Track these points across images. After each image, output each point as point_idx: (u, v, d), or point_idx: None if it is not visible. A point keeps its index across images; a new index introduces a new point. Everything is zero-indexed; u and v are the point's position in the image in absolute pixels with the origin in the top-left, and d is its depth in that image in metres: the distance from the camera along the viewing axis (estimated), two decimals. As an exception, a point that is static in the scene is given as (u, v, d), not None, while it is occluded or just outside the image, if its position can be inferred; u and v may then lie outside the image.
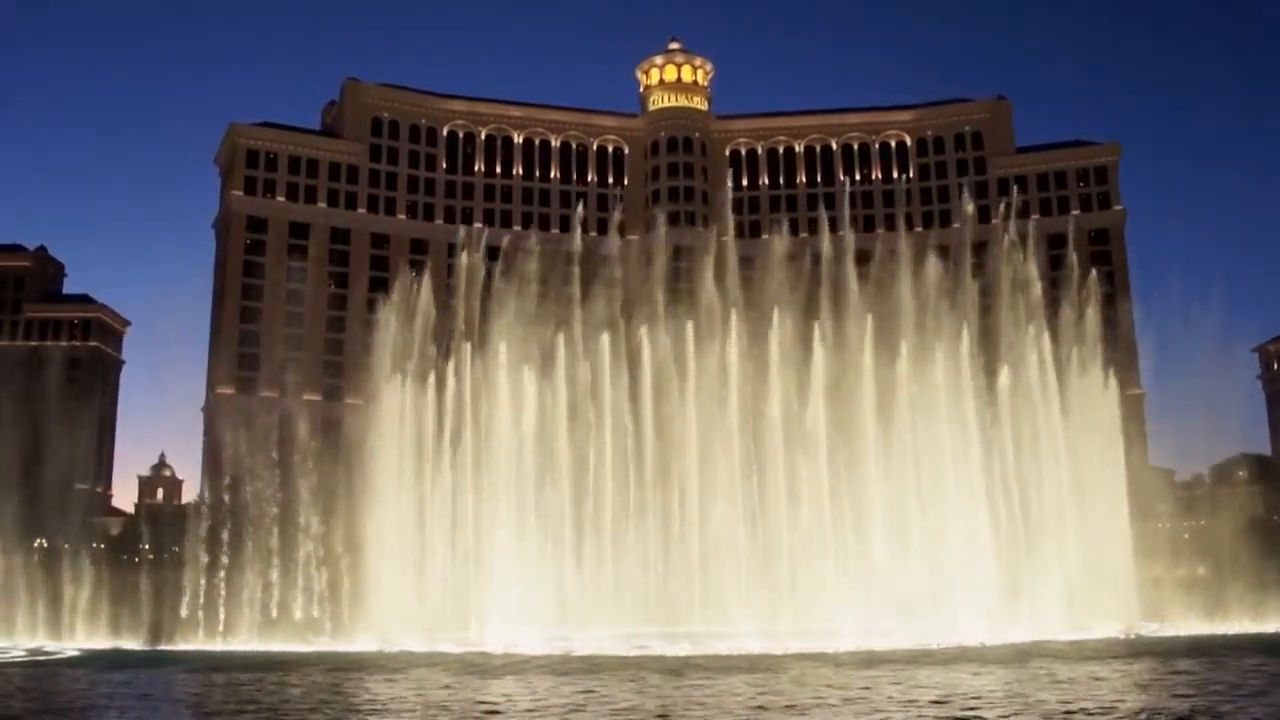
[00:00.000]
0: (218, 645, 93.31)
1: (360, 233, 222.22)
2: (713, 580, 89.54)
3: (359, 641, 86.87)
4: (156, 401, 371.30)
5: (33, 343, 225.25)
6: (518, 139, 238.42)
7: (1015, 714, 38.19)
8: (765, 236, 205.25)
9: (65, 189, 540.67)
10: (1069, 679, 50.26)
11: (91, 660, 79.04)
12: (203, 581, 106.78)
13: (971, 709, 39.78)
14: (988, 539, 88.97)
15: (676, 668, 60.16)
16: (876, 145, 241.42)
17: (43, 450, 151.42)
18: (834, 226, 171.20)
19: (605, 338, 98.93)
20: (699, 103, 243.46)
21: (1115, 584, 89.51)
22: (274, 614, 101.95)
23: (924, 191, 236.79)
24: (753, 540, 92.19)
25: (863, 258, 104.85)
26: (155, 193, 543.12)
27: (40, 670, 70.15)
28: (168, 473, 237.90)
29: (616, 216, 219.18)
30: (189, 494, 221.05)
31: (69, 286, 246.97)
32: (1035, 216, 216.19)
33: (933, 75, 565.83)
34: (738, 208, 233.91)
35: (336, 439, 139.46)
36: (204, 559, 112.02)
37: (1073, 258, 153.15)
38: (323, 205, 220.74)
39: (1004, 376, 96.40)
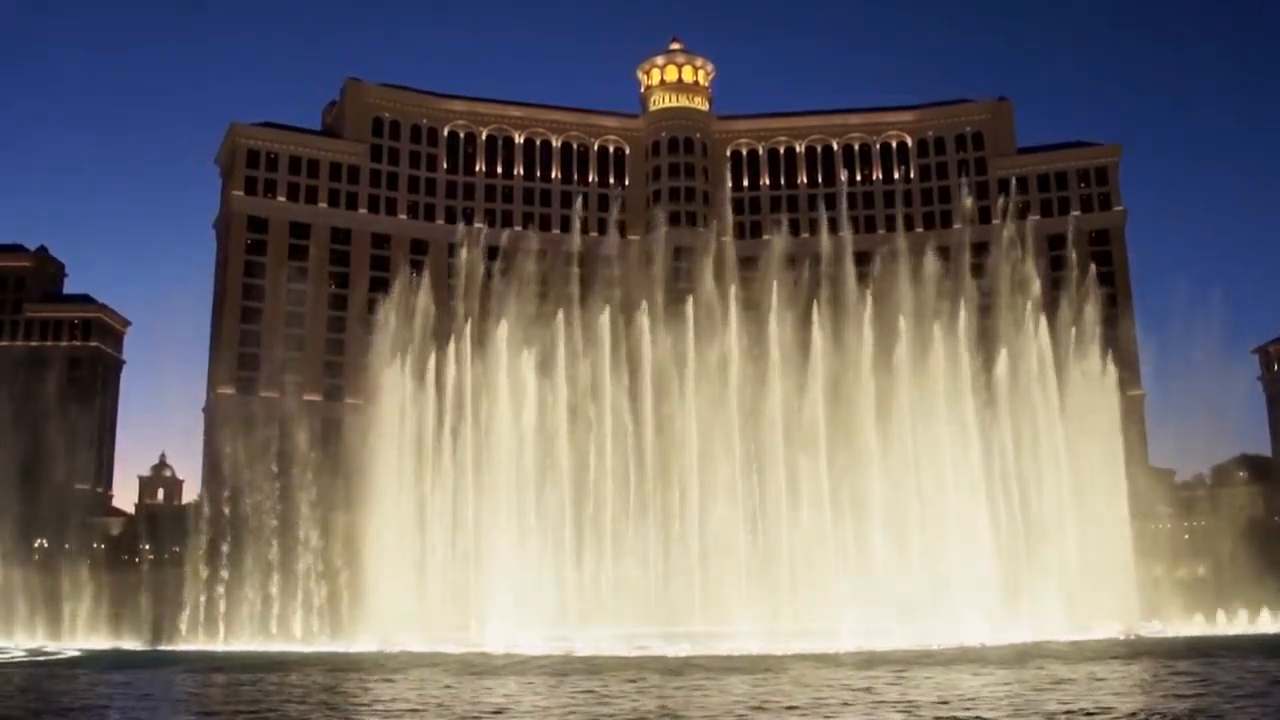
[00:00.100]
0: (218, 645, 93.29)
1: (361, 233, 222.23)
2: (713, 580, 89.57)
3: (359, 642, 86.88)
4: (157, 401, 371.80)
5: (33, 343, 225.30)
6: (518, 139, 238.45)
7: (1015, 715, 38.19)
8: (766, 237, 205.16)
9: (65, 189, 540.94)
10: (1069, 679, 50.26)
11: (91, 660, 79.06)
12: (203, 583, 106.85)
13: (971, 710, 39.79)
14: (988, 540, 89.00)
15: (677, 668, 60.17)
16: (877, 146, 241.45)
17: (43, 450, 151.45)
18: (834, 227, 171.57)
19: (605, 338, 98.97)
20: (700, 103, 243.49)
21: (1115, 584, 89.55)
22: (274, 615, 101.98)
23: (924, 192, 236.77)
24: (753, 540, 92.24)
25: (863, 258, 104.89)
26: (155, 193, 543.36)
27: (40, 670, 70.15)
28: (168, 473, 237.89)
29: (615, 216, 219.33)
30: (189, 494, 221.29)
31: (69, 286, 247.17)
32: (1036, 217, 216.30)
33: (933, 75, 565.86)
34: (738, 208, 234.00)
35: (337, 439, 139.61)
36: (204, 563, 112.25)
37: (1073, 258, 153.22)
38: (323, 205, 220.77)
39: (1004, 377, 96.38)
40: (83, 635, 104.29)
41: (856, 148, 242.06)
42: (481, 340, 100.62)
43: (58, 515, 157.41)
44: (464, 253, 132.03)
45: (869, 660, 62.86)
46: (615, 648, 76.21)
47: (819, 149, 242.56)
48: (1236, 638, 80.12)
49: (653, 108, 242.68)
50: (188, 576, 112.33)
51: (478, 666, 64.74)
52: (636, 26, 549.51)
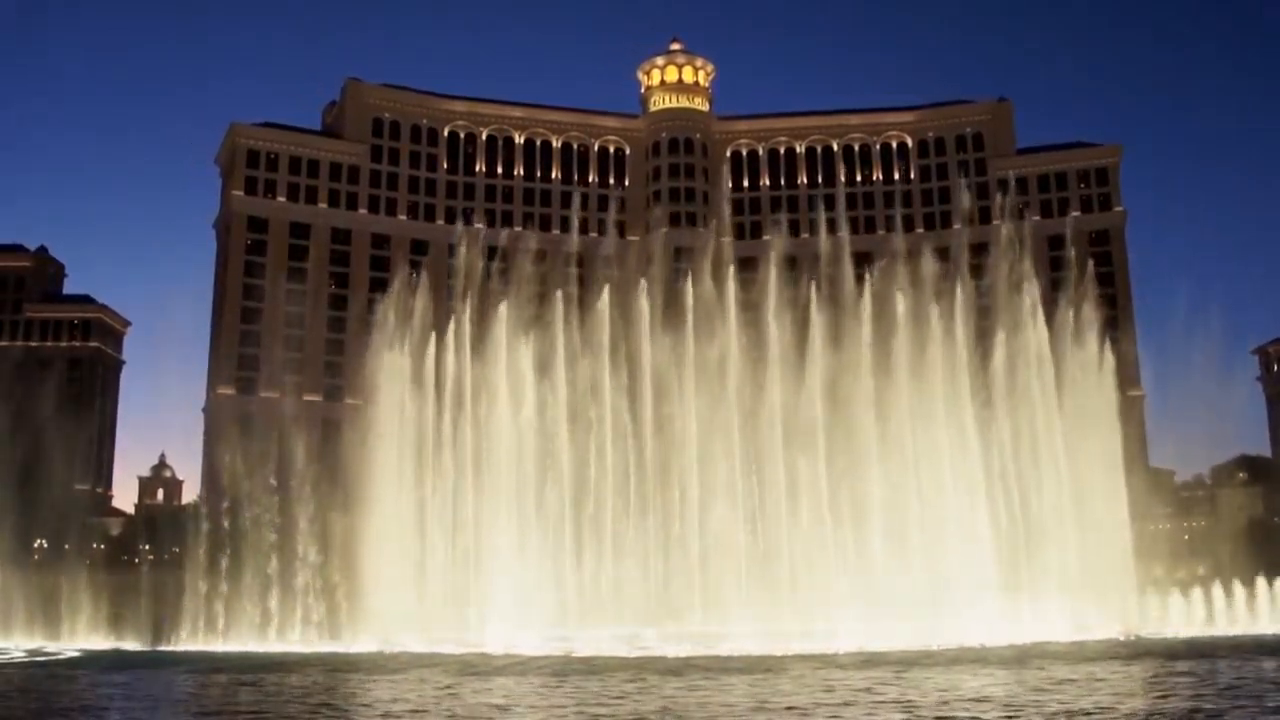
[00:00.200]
0: (218, 646, 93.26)
1: (361, 233, 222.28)
2: (712, 581, 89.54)
3: (359, 642, 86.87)
4: (157, 402, 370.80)
5: (33, 343, 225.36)
6: (519, 139, 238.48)
7: (1014, 715, 38.19)
8: (766, 237, 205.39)
9: (65, 189, 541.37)
10: (1069, 680, 50.27)
11: (91, 661, 79.05)
12: (203, 583, 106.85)
13: (971, 710, 39.80)
14: (988, 540, 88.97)
15: (677, 668, 60.17)
16: (877, 146, 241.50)
17: (43, 451, 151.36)
18: (834, 227, 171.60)
19: (605, 338, 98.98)
20: (700, 103, 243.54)
21: (1115, 585, 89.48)
22: (274, 616, 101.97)
23: (924, 193, 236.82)
24: (752, 541, 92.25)
25: (863, 259, 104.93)
26: (155, 193, 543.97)
27: (40, 671, 70.14)
28: (168, 473, 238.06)
29: (615, 216, 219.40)
30: (189, 494, 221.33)
31: (69, 287, 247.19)
32: (1036, 218, 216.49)
33: (933, 75, 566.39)
34: (738, 209, 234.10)
35: (337, 439, 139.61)
36: (204, 563, 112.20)
37: (1072, 259, 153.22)
38: (323, 205, 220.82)
39: (1003, 378, 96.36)
40: (82, 636, 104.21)
41: (856, 148, 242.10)
42: (481, 340, 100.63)
43: (57, 516, 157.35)
44: (463, 253, 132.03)
45: (869, 660, 62.87)
46: (615, 648, 76.23)
47: (819, 149, 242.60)
48: (1236, 638, 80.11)
49: (653, 108, 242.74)
50: (188, 577, 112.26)
51: (478, 667, 64.75)
52: (636, 26, 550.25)
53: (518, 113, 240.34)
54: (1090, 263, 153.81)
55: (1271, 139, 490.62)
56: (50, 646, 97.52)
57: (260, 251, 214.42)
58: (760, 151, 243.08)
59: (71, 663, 78.15)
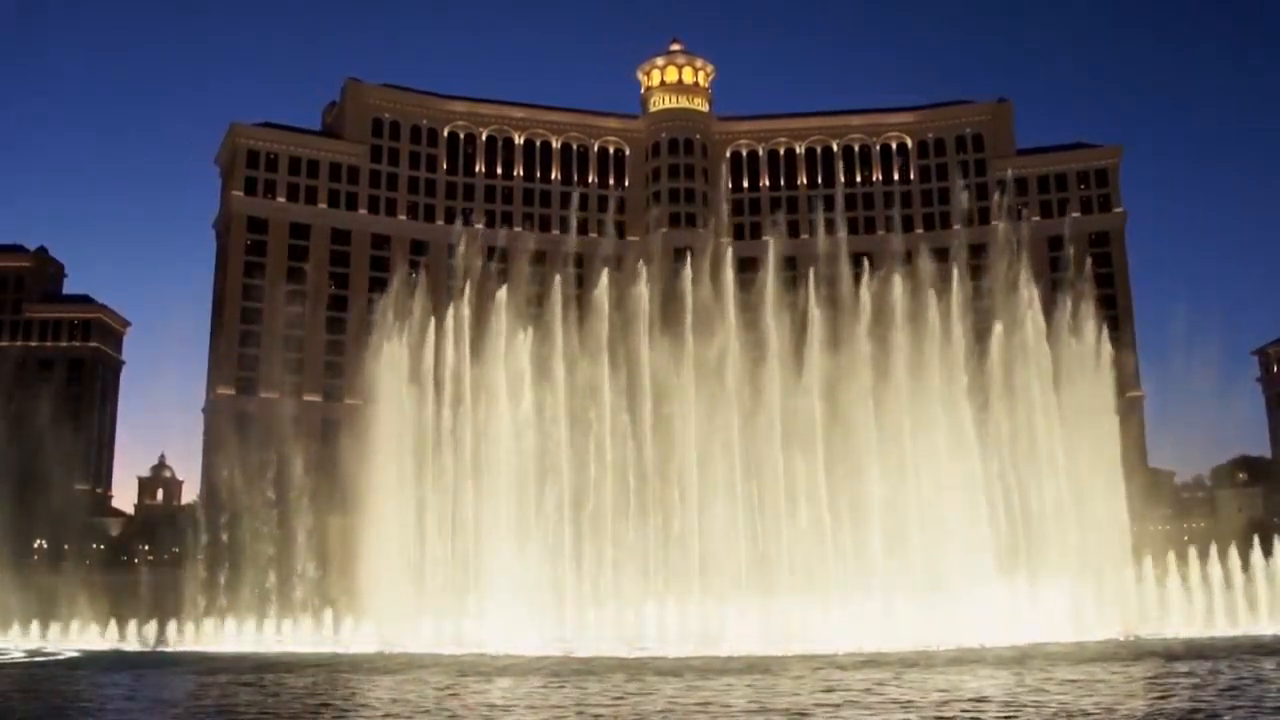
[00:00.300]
0: (217, 646, 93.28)
1: (361, 233, 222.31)
2: (712, 581, 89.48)
3: (359, 642, 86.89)
4: (156, 402, 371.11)
5: (33, 343, 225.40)
6: (518, 140, 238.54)
7: (1014, 715, 38.23)
8: (765, 238, 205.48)
9: (65, 189, 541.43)
10: (1069, 680, 50.29)
11: (91, 661, 79.07)
12: (202, 583, 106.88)
13: (971, 710, 39.83)
14: (987, 540, 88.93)
15: (676, 669, 60.19)
16: (877, 147, 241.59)
17: (43, 451, 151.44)
18: (833, 228, 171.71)
19: (604, 339, 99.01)
20: (700, 104, 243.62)
21: (1115, 586, 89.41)
22: (274, 616, 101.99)
23: (924, 193, 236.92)
24: (751, 541, 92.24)
25: (863, 259, 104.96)
26: (155, 193, 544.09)
27: (40, 671, 70.15)
28: (168, 473, 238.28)
29: (613, 217, 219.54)
30: (189, 495, 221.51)
31: (69, 287, 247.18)
32: (1036, 218, 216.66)
33: (933, 76, 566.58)
34: (738, 209, 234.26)
35: (336, 440, 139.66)
36: (203, 563, 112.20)
37: (1071, 260, 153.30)
38: (323, 206, 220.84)
39: (1002, 379, 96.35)
40: (82, 636, 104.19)
41: (856, 149, 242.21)
42: (479, 340, 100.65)
43: (57, 516, 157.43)
44: (462, 253, 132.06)
45: (869, 661, 62.88)
46: (614, 648, 76.27)
47: (818, 150, 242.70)
48: (1236, 639, 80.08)
49: (652, 109, 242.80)
50: (187, 577, 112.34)
51: (478, 667, 64.78)
52: (636, 27, 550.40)
53: (518, 113, 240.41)
54: (1090, 263, 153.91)
55: (1271, 139, 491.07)
56: (50, 646, 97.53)
57: (260, 252, 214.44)
58: (760, 152, 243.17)
59: (71, 663, 78.17)
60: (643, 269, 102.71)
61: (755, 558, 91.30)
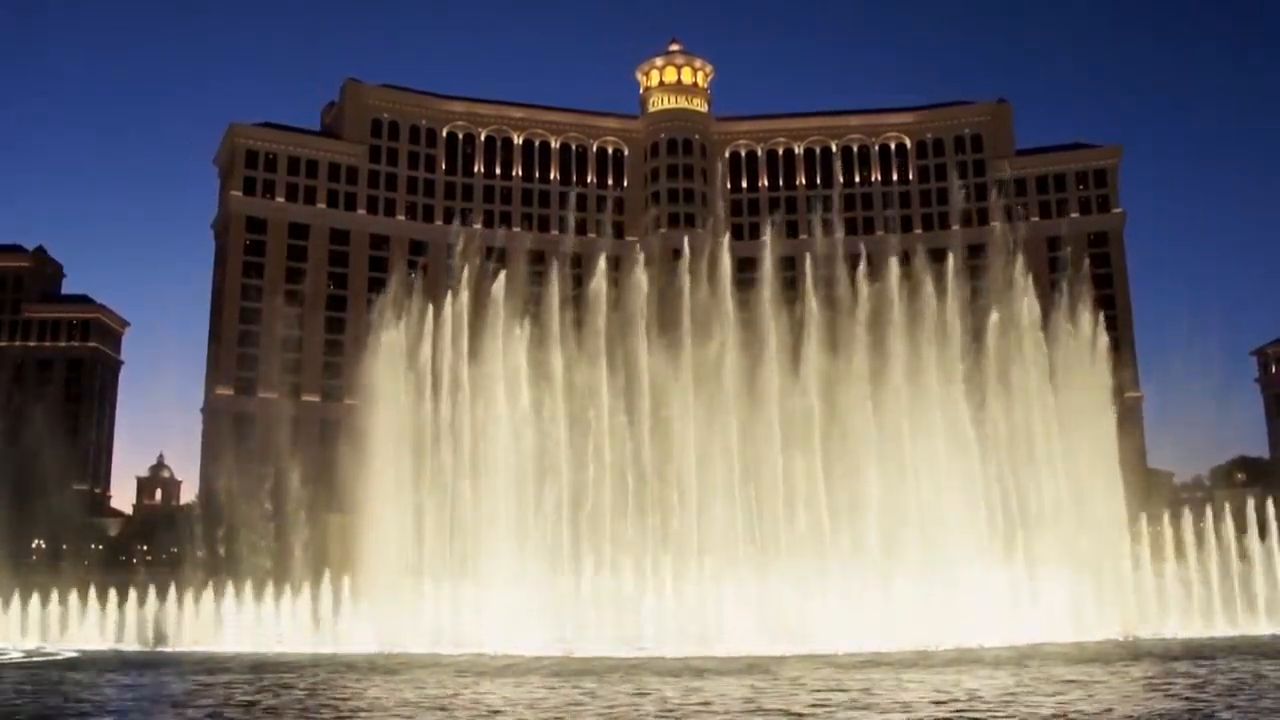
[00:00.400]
0: (217, 646, 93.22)
1: (360, 234, 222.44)
2: (711, 581, 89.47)
3: (358, 643, 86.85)
4: (155, 402, 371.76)
5: (31, 343, 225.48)
6: (517, 140, 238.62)
7: (1013, 715, 38.25)
8: (764, 238, 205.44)
9: (64, 189, 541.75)
10: (1068, 681, 50.33)
11: (90, 661, 78.99)
12: (201, 583, 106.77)
13: (970, 710, 39.85)
14: (986, 541, 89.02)
15: (676, 669, 60.21)
16: (876, 147, 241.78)
17: (41, 451, 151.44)
18: (831, 228, 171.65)
19: (602, 340, 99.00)
20: (699, 104, 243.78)
21: (1114, 586, 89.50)
22: (273, 616, 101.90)
23: (923, 194, 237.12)
24: (750, 541, 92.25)
25: (861, 260, 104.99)
26: (155, 193, 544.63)
27: (39, 671, 70.09)
28: (166, 473, 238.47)
29: (612, 217, 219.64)
30: (187, 495, 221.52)
31: (68, 287, 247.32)
32: (1035, 219, 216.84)
33: (933, 76, 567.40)
34: (737, 209, 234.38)
35: (335, 440, 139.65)
36: (202, 563, 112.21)
37: (1070, 259, 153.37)
38: (322, 206, 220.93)
39: (1000, 379, 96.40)
40: (81, 636, 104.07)
41: (855, 149, 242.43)
42: (478, 340, 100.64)
43: (56, 516, 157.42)
44: (461, 253, 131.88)
45: (868, 661, 62.92)
46: (614, 648, 76.31)
47: (817, 150, 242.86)
48: (1236, 639, 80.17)
49: (651, 109, 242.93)
50: (186, 577, 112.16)
51: (477, 667, 64.80)
52: (636, 27, 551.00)
53: (517, 113, 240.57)
54: (1088, 264, 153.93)
55: (1271, 139, 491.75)
56: (49, 646, 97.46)
57: (259, 252, 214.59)
58: (759, 152, 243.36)
59: (70, 663, 78.10)
60: (641, 269, 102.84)
61: (754, 557, 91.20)
